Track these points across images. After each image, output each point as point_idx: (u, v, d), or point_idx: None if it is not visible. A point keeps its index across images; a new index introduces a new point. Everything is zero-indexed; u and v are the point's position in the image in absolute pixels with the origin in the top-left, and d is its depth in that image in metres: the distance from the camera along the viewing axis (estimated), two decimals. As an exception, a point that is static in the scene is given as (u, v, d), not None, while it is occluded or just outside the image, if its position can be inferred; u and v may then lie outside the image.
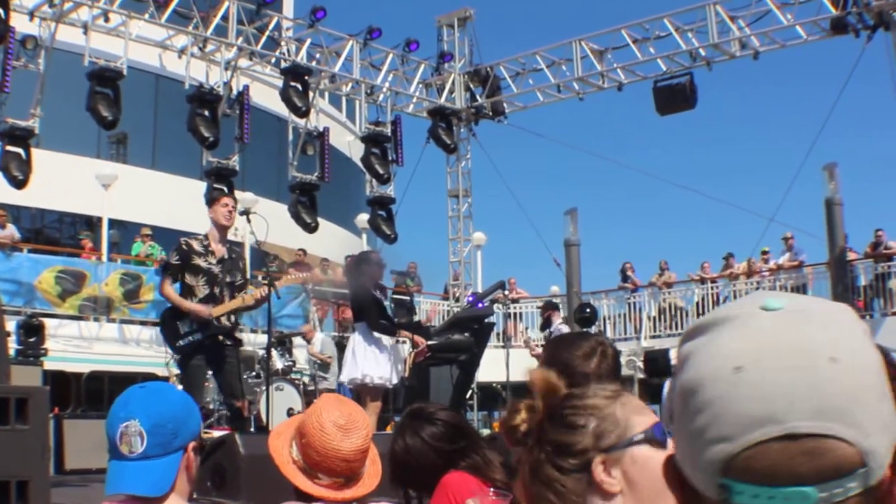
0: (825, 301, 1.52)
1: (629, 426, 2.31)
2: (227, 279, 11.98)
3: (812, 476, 1.36)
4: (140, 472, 3.35)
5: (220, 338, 11.90)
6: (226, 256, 11.98)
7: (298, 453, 3.88)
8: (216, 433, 12.95)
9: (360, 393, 14.06)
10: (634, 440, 2.32)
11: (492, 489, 3.68)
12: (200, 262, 11.77)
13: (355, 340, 14.25)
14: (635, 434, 2.32)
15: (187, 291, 11.79)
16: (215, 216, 11.99)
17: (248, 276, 12.52)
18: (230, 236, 12.51)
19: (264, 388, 15.86)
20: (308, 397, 18.54)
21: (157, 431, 3.38)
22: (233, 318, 12.15)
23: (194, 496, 9.16)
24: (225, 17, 23.11)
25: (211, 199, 12.35)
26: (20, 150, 19.46)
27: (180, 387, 11.32)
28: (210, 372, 12.45)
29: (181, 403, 3.56)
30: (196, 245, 11.84)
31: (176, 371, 18.36)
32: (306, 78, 23.92)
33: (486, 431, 21.21)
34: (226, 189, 21.66)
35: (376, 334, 14.13)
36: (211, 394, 16.09)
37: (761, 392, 1.37)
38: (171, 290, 11.88)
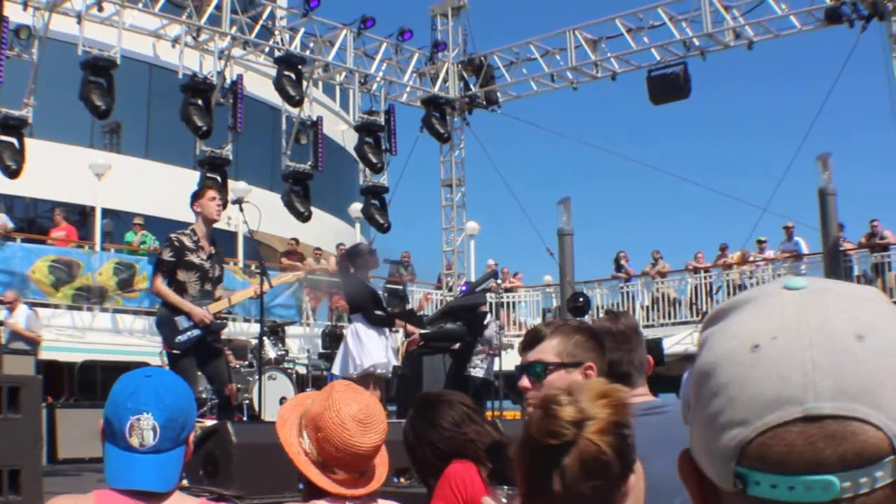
0: (851, 283, 1.40)
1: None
2: (216, 273, 11.94)
3: (834, 463, 1.22)
4: (152, 465, 3.32)
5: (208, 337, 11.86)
6: (213, 251, 11.83)
7: (313, 446, 3.78)
8: (209, 422, 12.93)
9: (363, 382, 14.00)
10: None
11: (506, 487, 3.64)
12: (193, 257, 11.59)
13: (358, 330, 14.28)
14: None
15: (179, 288, 11.57)
16: (205, 211, 11.67)
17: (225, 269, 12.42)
18: (224, 225, 12.44)
19: (257, 377, 15.86)
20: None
21: (170, 425, 3.36)
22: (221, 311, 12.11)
23: (186, 485, 9.17)
24: (218, 7, 23.10)
25: (196, 194, 12.05)
26: (13, 140, 19.45)
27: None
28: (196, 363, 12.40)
29: (187, 395, 3.52)
30: (187, 241, 11.60)
31: (167, 361, 18.43)
32: (300, 67, 23.93)
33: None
34: (219, 179, 21.64)
35: None
36: (203, 383, 16.09)
37: (778, 371, 1.25)
38: (165, 287, 11.60)
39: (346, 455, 3.73)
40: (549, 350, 3.90)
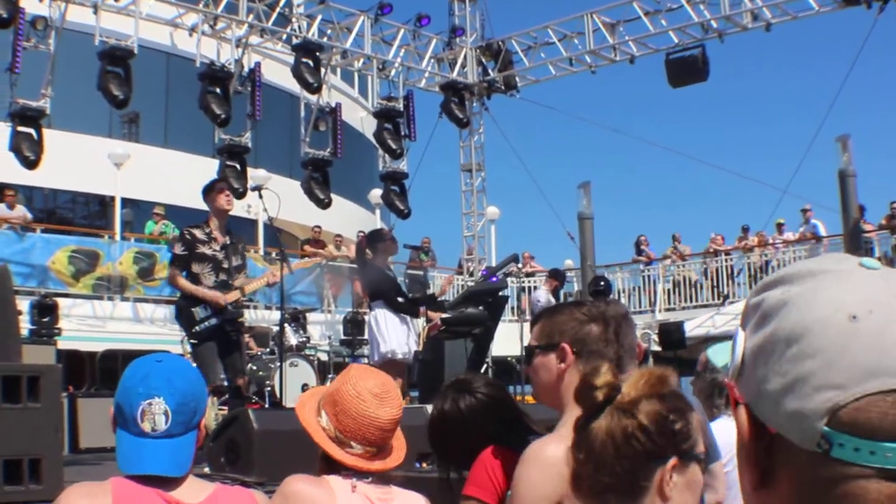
0: None
1: (696, 441, 2.35)
2: (234, 263, 12.21)
3: None
4: (164, 450, 3.32)
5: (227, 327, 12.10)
6: (227, 242, 12.19)
7: (330, 422, 3.87)
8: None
9: (386, 368, 13.96)
10: (700, 457, 2.35)
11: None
12: (205, 249, 12.02)
13: (379, 317, 14.33)
14: (700, 451, 2.36)
15: (194, 280, 12.03)
16: (218, 204, 12.18)
17: (247, 260, 12.72)
18: (244, 213, 12.59)
19: (278, 363, 15.88)
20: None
21: (182, 410, 3.37)
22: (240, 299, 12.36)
23: (208, 472, 9.16)
24: (235, -6, 23.12)
25: (208, 189, 12.41)
26: (31, 131, 19.44)
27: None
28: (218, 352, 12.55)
29: (198, 379, 3.55)
30: (199, 233, 12.07)
31: (189, 350, 18.47)
32: (318, 54, 23.88)
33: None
34: (238, 167, 21.65)
35: None
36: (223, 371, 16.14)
37: (880, 343, 1.31)
38: (183, 280, 12.08)
39: (361, 426, 3.83)
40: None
